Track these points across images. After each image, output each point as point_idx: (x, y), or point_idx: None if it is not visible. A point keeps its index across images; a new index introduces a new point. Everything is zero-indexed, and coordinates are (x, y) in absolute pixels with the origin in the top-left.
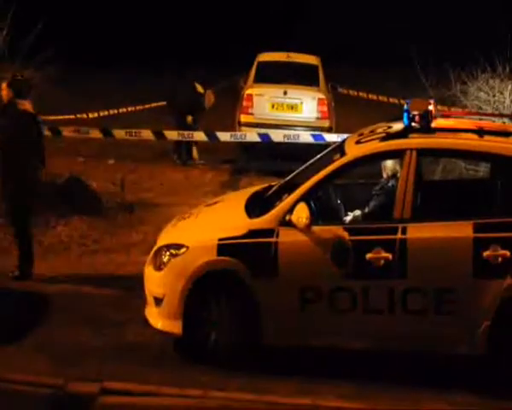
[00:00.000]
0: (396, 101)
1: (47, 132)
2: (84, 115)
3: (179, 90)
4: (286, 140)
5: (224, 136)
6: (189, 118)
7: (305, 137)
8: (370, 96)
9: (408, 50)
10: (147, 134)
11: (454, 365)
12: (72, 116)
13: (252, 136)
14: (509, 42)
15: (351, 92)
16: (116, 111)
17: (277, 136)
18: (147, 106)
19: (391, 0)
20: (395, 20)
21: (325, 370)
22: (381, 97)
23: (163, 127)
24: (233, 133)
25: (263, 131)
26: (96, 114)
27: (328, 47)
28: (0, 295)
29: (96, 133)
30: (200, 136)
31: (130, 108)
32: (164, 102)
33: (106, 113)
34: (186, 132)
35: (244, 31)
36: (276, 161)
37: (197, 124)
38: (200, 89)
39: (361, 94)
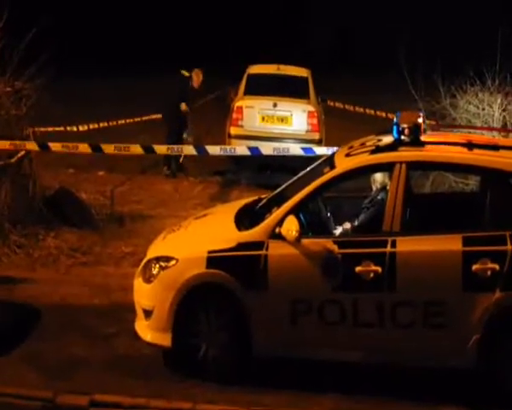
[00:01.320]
0: (383, 114)
1: (35, 147)
2: (74, 128)
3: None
4: (275, 153)
5: (213, 149)
6: (183, 105)
7: (295, 150)
8: (357, 108)
9: (400, 61)
10: (136, 149)
11: (444, 378)
12: (61, 128)
13: (241, 149)
14: (497, 55)
15: (337, 105)
16: (106, 124)
17: (267, 149)
18: (137, 119)
19: (384, 6)
20: (396, 20)
21: (316, 382)
22: (368, 110)
23: (157, 137)
24: (222, 147)
25: (253, 143)
26: (85, 127)
27: (330, 46)
28: None
29: (84, 148)
30: (189, 150)
31: (120, 122)
32: (157, 115)
33: (96, 125)
34: (176, 146)
35: (245, 32)
36: (266, 173)
37: (191, 110)
38: (185, 73)
39: (347, 107)
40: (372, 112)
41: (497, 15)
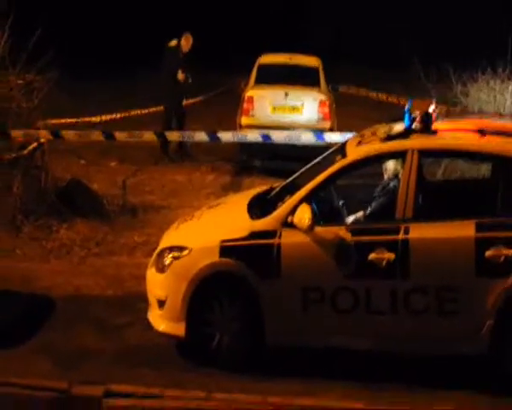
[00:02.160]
0: (395, 100)
1: (48, 135)
2: (87, 119)
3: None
4: (287, 141)
5: (225, 136)
6: (179, 74)
7: (307, 137)
8: (370, 94)
9: (409, 50)
10: (149, 136)
11: (459, 364)
12: (73, 120)
13: (253, 136)
14: (509, 43)
15: (351, 90)
16: (118, 115)
17: (279, 137)
18: (152, 109)
19: (392, 0)
20: (396, 20)
21: (327, 370)
22: (380, 95)
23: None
24: (235, 133)
25: (264, 133)
26: (98, 119)
27: (330, 46)
28: (2, 298)
29: (97, 136)
30: (201, 136)
31: (132, 113)
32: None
33: (108, 117)
34: (187, 133)
35: (245, 32)
36: (278, 161)
37: (189, 78)
38: (172, 43)
39: (361, 92)
40: (384, 97)
41: (499, 11)
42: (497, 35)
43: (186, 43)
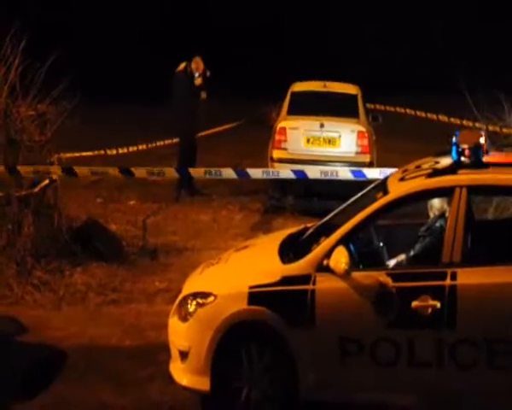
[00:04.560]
0: (446, 119)
1: (61, 173)
2: (102, 152)
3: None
4: (323, 177)
5: (255, 173)
6: (203, 94)
7: (345, 173)
8: (418, 113)
9: (453, 77)
10: (170, 172)
11: None
12: (89, 153)
13: (285, 173)
14: None
15: (398, 110)
16: (136, 148)
17: (314, 172)
18: (167, 141)
19: (433, 25)
20: (437, 42)
21: None
22: (429, 115)
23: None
24: (265, 170)
25: (297, 167)
26: (114, 151)
27: (368, 76)
28: (13, 349)
29: (114, 172)
30: (228, 173)
31: (150, 145)
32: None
33: (125, 150)
34: (213, 169)
35: (279, 58)
36: (313, 199)
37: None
38: (181, 67)
39: (408, 112)
40: (434, 116)
41: None
42: None
43: (196, 66)
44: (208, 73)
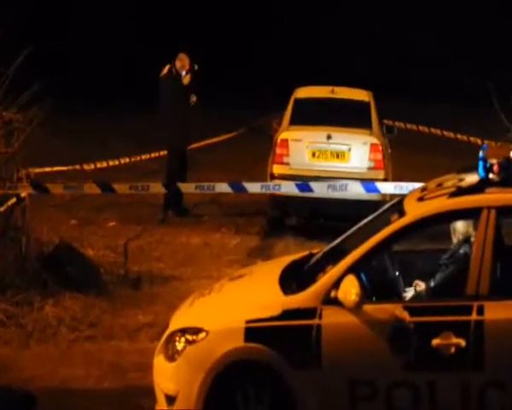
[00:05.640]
0: (465, 138)
1: (30, 189)
2: (78, 167)
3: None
4: (330, 192)
5: (252, 187)
6: (193, 97)
7: (355, 187)
8: (433, 130)
9: (480, 86)
10: (156, 187)
11: None
12: (63, 167)
13: (288, 187)
14: None
15: (408, 127)
16: (117, 162)
17: (320, 187)
18: (153, 154)
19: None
20: (463, 56)
21: None
22: (446, 133)
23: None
24: (264, 184)
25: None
26: (92, 166)
27: (377, 78)
28: None
29: (92, 188)
30: (222, 187)
31: (134, 159)
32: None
33: (105, 164)
34: (205, 184)
35: (281, 62)
36: (319, 221)
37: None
38: (165, 70)
39: (421, 129)
40: (451, 134)
41: None
42: None
43: (181, 64)
44: (196, 67)
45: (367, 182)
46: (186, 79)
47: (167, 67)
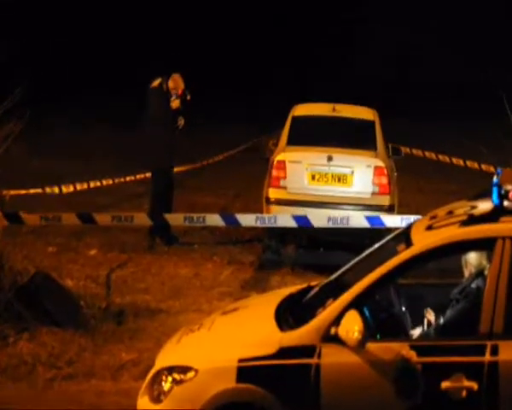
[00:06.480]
0: (476, 165)
1: (4, 222)
2: (56, 189)
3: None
4: (331, 224)
5: (246, 219)
6: (180, 120)
7: (358, 220)
8: (441, 157)
9: (491, 103)
10: (141, 218)
11: None
12: (39, 190)
13: (284, 220)
14: None
15: (414, 152)
16: (99, 183)
17: (319, 219)
18: (139, 176)
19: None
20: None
21: None
22: (455, 160)
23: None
24: (259, 216)
25: (299, 210)
26: (71, 188)
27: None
28: None
29: (70, 219)
30: (214, 219)
31: (117, 180)
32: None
33: (85, 186)
34: (195, 215)
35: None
36: (318, 251)
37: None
38: (156, 83)
39: (427, 154)
40: (461, 162)
41: None
42: None
43: (175, 85)
44: (188, 97)
45: (371, 215)
46: (175, 104)
47: (158, 81)
